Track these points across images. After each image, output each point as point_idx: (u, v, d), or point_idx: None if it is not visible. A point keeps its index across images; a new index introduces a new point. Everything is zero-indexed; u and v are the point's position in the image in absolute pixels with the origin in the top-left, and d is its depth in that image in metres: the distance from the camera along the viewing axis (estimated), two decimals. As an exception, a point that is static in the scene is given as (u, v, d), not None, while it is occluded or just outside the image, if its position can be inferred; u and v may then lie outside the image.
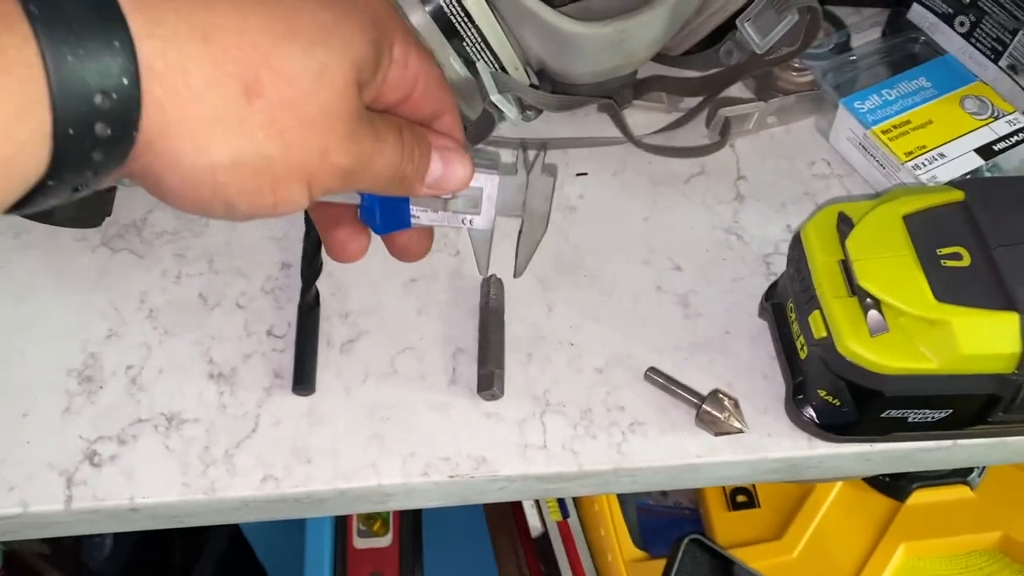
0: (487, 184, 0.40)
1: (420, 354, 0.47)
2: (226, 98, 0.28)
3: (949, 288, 0.39)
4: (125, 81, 0.26)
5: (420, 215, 0.41)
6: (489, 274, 0.49)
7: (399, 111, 0.37)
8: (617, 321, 0.49)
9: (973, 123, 0.53)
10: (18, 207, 0.27)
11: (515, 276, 0.45)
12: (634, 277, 0.51)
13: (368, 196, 0.40)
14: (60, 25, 0.25)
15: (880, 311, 0.40)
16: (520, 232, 0.43)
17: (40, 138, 0.25)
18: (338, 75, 0.31)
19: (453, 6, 0.46)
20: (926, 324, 0.39)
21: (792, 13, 0.52)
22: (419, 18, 0.46)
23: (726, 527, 0.74)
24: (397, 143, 0.35)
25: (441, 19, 0.46)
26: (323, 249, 0.49)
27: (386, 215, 0.40)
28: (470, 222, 0.41)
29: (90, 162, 0.27)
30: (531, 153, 0.42)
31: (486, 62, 0.49)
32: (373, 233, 0.43)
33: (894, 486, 0.73)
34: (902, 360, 0.39)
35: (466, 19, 0.47)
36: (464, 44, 0.48)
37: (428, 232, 0.43)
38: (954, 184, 0.43)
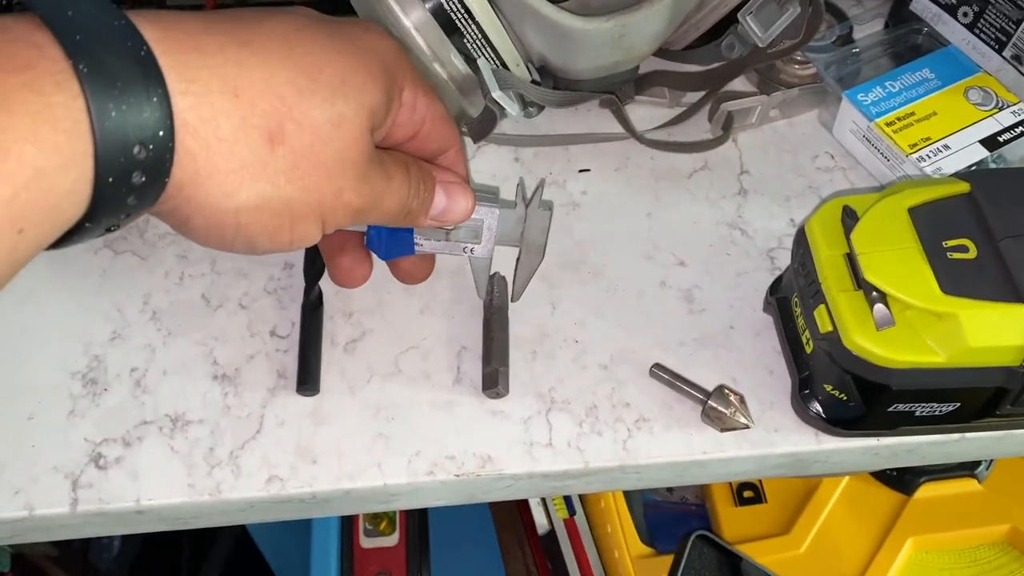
0: (487, 216, 0.44)
1: (424, 353, 0.47)
2: (252, 147, 0.31)
3: (956, 281, 0.39)
4: (161, 133, 0.28)
5: (423, 243, 0.44)
6: (492, 272, 0.49)
7: (406, 148, 0.40)
8: (621, 317, 0.49)
9: (978, 114, 0.53)
10: (54, 245, 0.29)
11: (512, 301, 0.48)
12: (638, 273, 0.51)
13: (375, 226, 0.42)
14: (106, 82, 0.27)
15: (886, 305, 0.39)
16: (518, 260, 0.47)
17: (83, 186, 0.27)
18: (354, 123, 0.33)
19: (453, 3, 0.46)
20: (933, 317, 0.39)
21: (794, 6, 0.51)
22: (419, 15, 0.46)
23: (733, 523, 0.74)
24: (404, 180, 0.38)
25: (441, 16, 0.46)
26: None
27: (391, 243, 0.44)
28: (471, 250, 0.45)
29: (124, 206, 0.29)
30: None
31: (487, 59, 0.49)
32: (376, 257, 0.44)
33: (901, 480, 0.72)
34: (909, 354, 0.39)
35: (466, 16, 0.46)
36: (464, 41, 0.47)
37: (430, 257, 0.46)
38: (959, 176, 0.43)
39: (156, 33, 0.29)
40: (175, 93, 0.28)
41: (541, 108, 0.56)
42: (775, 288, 0.48)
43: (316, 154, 0.32)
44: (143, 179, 0.28)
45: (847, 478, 0.73)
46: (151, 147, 0.28)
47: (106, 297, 0.49)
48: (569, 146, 0.57)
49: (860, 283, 0.40)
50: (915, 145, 0.51)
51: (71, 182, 0.27)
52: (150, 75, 0.28)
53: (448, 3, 0.46)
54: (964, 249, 0.40)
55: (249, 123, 0.30)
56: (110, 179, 0.27)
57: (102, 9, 0.27)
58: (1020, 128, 0.52)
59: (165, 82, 0.28)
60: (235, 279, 0.50)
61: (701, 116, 0.58)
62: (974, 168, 0.50)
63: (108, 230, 0.30)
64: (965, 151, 0.51)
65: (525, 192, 0.45)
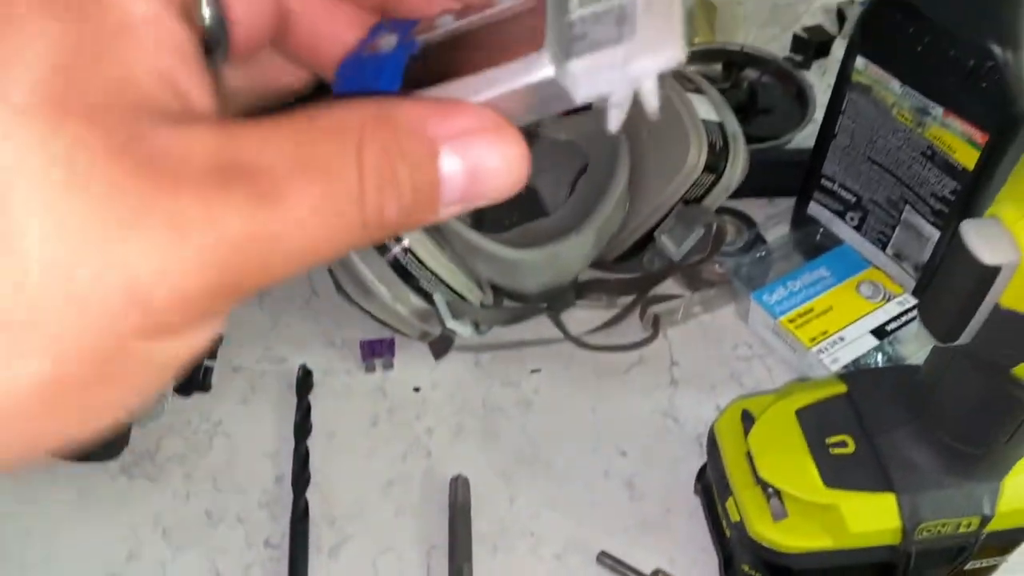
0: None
1: (399, 554, 0.54)
2: None
3: (836, 474, 0.46)
4: None
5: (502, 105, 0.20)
6: (456, 475, 0.56)
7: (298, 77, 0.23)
8: (571, 508, 0.56)
9: (868, 306, 0.61)
10: None
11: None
12: (585, 465, 0.58)
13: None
14: None
15: (780, 499, 0.46)
16: None
17: None
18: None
19: (409, 256, 0.55)
20: (818, 508, 0.46)
21: (700, 227, 0.60)
22: (379, 268, 0.55)
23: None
24: (319, 173, 0.17)
25: (398, 267, 0.55)
26: (309, 464, 0.57)
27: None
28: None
29: None
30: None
31: (442, 293, 0.58)
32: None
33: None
34: (802, 540, 0.46)
35: (419, 264, 0.55)
36: (420, 283, 0.56)
37: None
38: (838, 376, 0.51)
39: None
40: None
41: (491, 325, 0.64)
42: (701, 475, 0.55)
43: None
44: None
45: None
46: None
47: (123, 520, 0.56)
48: (521, 349, 0.65)
49: (758, 479, 0.47)
50: (815, 339, 0.59)
51: None
52: None
53: (402, 258, 0.55)
54: (844, 444, 0.48)
55: None
56: None
57: None
58: (905, 316, 0.60)
59: None
60: (233, 495, 0.57)
61: (635, 315, 0.66)
62: (862, 359, 0.58)
63: None
64: (858, 341, 0.59)
65: None
